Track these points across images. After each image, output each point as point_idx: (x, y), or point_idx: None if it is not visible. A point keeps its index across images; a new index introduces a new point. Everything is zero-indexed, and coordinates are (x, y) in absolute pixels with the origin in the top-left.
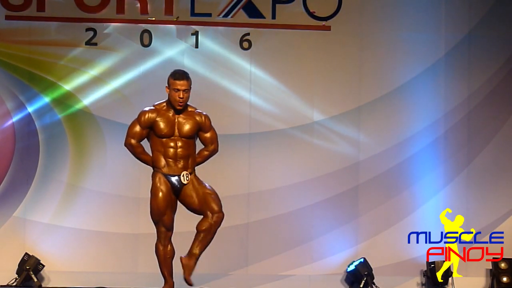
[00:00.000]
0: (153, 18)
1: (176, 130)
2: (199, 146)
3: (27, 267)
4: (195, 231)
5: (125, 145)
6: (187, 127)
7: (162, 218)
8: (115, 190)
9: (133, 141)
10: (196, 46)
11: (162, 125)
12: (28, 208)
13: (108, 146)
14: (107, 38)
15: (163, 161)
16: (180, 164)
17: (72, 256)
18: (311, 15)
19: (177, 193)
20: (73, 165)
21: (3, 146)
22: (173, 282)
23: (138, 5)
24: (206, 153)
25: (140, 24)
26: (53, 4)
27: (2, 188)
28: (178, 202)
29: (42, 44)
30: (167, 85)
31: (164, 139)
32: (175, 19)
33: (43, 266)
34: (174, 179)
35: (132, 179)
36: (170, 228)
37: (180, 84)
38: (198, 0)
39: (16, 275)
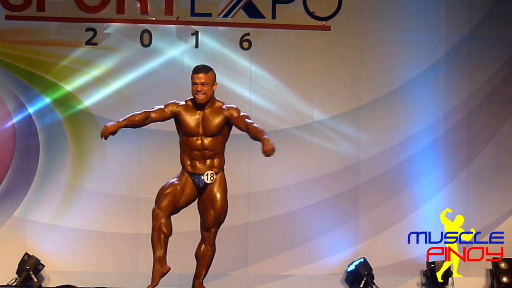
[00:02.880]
0: (153, 18)
1: (201, 129)
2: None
3: (27, 267)
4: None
5: None
6: (211, 124)
7: (159, 199)
8: (115, 190)
9: (148, 110)
10: (196, 46)
11: (187, 121)
12: (28, 208)
13: (108, 146)
14: (107, 38)
15: (188, 161)
16: (205, 164)
17: (72, 256)
18: (311, 15)
19: (200, 191)
20: (73, 165)
21: (3, 146)
22: (160, 266)
23: (138, 5)
24: (257, 127)
25: (140, 24)
26: (53, 4)
27: (2, 188)
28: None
29: (42, 44)
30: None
31: (188, 139)
32: (175, 19)
33: (43, 266)
34: (198, 179)
35: (132, 179)
36: (161, 209)
37: (198, 77)
38: (198, 0)
39: (16, 275)
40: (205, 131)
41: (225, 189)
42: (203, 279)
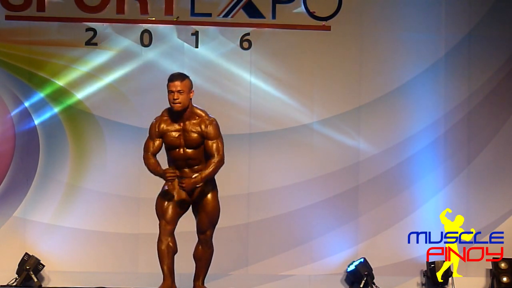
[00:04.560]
0: (153, 18)
1: (182, 140)
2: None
3: (27, 267)
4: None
5: (143, 159)
6: (191, 137)
7: (163, 211)
8: (115, 190)
9: (145, 153)
10: (196, 46)
11: (169, 136)
12: (28, 208)
13: (108, 146)
14: (107, 38)
15: (174, 167)
16: (192, 170)
17: (72, 256)
18: (311, 15)
19: (190, 193)
20: (73, 165)
21: (3, 146)
22: (172, 281)
23: (138, 5)
24: (211, 167)
25: (140, 24)
26: (53, 4)
27: (2, 188)
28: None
29: (42, 44)
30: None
31: (171, 151)
32: (175, 19)
33: (43, 266)
34: None
35: (132, 179)
36: (170, 222)
37: (173, 85)
38: (198, 0)
39: (16, 275)
40: (187, 143)
41: (216, 190)
42: (203, 280)
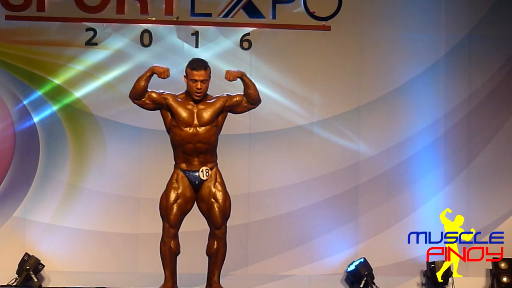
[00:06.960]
0: (153, 18)
1: (195, 119)
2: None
3: (27, 267)
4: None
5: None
6: (207, 113)
7: (168, 213)
8: (115, 190)
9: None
10: (196, 46)
11: (181, 111)
12: (28, 208)
13: (108, 146)
14: (107, 38)
15: (182, 157)
16: (200, 159)
17: (72, 256)
18: (311, 15)
19: (197, 190)
20: (73, 165)
21: (3, 146)
22: (173, 283)
23: (138, 5)
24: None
25: (140, 24)
26: (53, 4)
27: (2, 188)
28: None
29: (42, 44)
30: (184, 75)
31: (183, 130)
32: (175, 19)
33: (43, 266)
34: (193, 176)
35: (132, 179)
36: (174, 226)
37: (198, 74)
38: (198, 0)
39: (16, 275)
40: (200, 121)
41: (223, 183)
42: (219, 276)
